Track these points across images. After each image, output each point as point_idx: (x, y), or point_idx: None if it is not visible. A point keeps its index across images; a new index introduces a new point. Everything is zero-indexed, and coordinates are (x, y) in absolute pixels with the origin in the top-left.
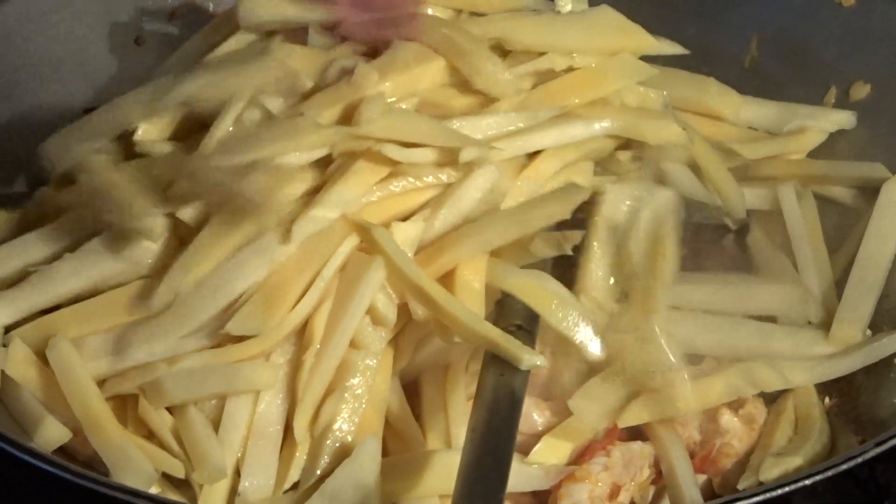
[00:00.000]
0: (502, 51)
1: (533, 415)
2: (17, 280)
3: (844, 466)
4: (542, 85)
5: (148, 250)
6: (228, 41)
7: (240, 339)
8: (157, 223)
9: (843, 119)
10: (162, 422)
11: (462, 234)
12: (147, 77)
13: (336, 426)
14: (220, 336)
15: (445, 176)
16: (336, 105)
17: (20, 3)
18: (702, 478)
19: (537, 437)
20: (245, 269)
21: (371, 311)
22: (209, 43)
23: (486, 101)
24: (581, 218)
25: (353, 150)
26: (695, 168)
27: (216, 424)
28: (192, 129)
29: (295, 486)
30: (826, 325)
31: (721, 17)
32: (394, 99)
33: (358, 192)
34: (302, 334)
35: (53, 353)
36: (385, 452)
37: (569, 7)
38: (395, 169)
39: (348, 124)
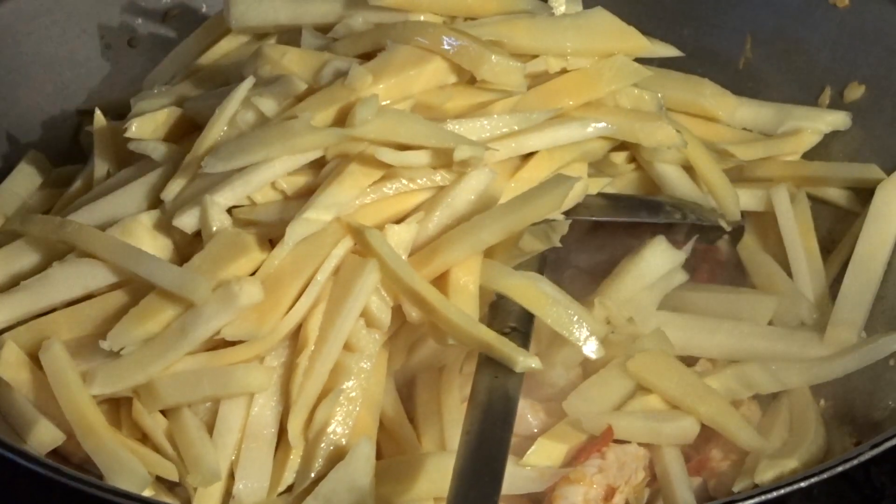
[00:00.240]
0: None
1: (528, 416)
2: (10, 285)
3: (840, 469)
4: (536, 87)
5: None
6: (221, 43)
7: (234, 342)
8: None
9: (837, 120)
10: (156, 424)
11: (455, 235)
12: (140, 78)
13: (330, 429)
14: (215, 339)
15: (439, 178)
16: (330, 107)
17: (13, 5)
18: (697, 480)
19: (532, 438)
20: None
21: (365, 314)
22: (202, 45)
23: (481, 104)
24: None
25: (347, 152)
26: (689, 169)
27: (210, 427)
28: (186, 129)
29: (289, 488)
30: (821, 326)
31: (715, 18)
32: (388, 101)
33: (352, 194)
34: (296, 337)
35: (46, 355)
36: (379, 455)
37: (563, 9)
38: (389, 171)
39: (342, 126)
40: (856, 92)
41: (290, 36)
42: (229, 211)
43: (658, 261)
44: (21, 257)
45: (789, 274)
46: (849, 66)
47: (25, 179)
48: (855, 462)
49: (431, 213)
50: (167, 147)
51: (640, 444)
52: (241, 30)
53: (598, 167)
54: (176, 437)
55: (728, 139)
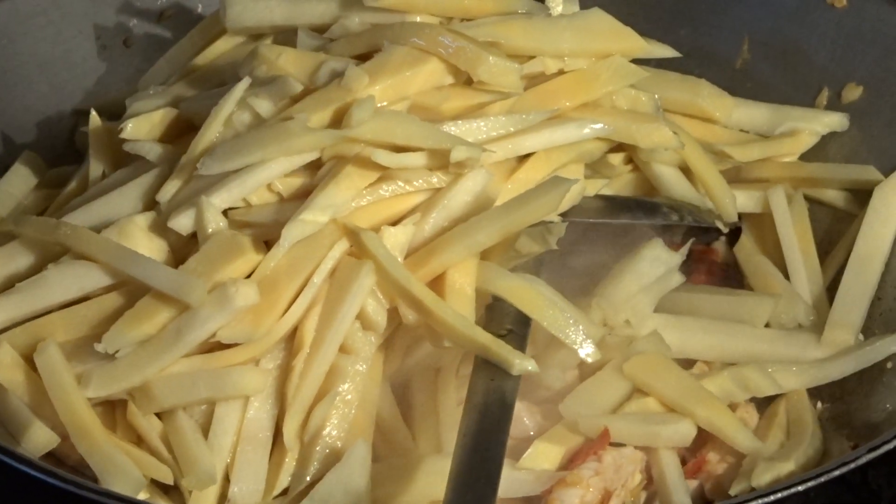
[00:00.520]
0: None
1: (524, 419)
2: (5, 287)
3: (837, 472)
4: (533, 88)
5: None
6: (216, 43)
7: (229, 344)
8: None
9: (835, 121)
10: (151, 427)
11: (451, 237)
12: (136, 78)
13: (326, 431)
14: (210, 342)
15: (436, 179)
16: (326, 108)
17: (8, 5)
18: (693, 483)
19: (528, 441)
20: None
21: (361, 316)
22: (198, 45)
23: (478, 106)
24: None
25: (344, 153)
26: (686, 171)
27: (205, 430)
28: (182, 130)
29: (285, 491)
30: (818, 329)
31: (713, 19)
32: (384, 102)
33: (348, 195)
34: (292, 339)
35: (41, 357)
36: (375, 458)
37: (560, 10)
38: (386, 173)
39: (338, 127)
40: (853, 93)
41: (286, 36)
42: (225, 213)
43: (654, 263)
44: (16, 259)
45: (786, 276)
46: (846, 67)
47: (20, 180)
48: (852, 465)
49: (428, 214)
50: (163, 148)
51: (636, 447)
52: (237, 30)
53: (595, 168)
54: (171, 440)
55: (725, 140)
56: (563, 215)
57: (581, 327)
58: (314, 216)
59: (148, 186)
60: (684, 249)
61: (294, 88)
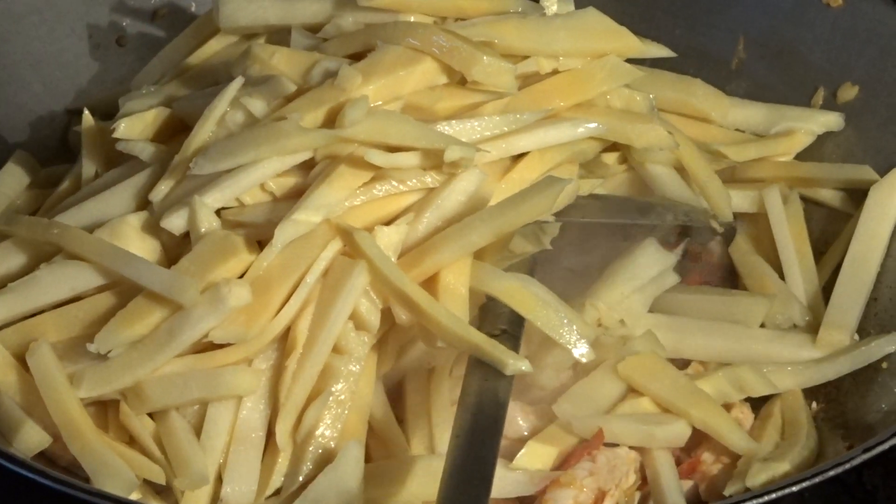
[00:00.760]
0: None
1: (518, 419)
2: None
3: (832, 472)
4: (527, 87)
5: None
6: (210, 43)
7: (222, 344)
8: None
9: (830, 121)
10: (143, 427)
11: (445, 237)
12: (129, 78)
13: (319, 432)
14: (203, 342)
15: (430, 179)
16: (319, 108)
17: (1, 4)
18: (688, 484)
19: (522, 441)
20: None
21: (354, 316)
22: (191, 44)
23: (472, 105)
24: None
25: (337, 153)
26: (681, 170)
27: (198, 430)
28: (175, 130)
29: (277, 492)
30: (813, 329)
31: (708, 18)
32: (378, 102)
33: (341, 195)
34: (285, 340)
35: (33, 357)
36: (368, 458)
37: (554, 9)
38: (379, 173)
39: (332, 127)
40: (849, 93)
41: (279, 36)
42: (218, 212)
43: (649, 263)
44: (8, 259)
45: (781, 276)
46: (842, 66)
47: (13, 179)
48: (847, 466)
49: (421, 214)
50: (155, 147)
51: (630, 448)
52: (231, 29)
53: (590, 168)
54: (163, 440)
55: (720, 140)
56: (558, 215)
57: (575, 327)
58: (307, 216)
59: (141, 186)
60: (679, 249)
61: (287, 88)
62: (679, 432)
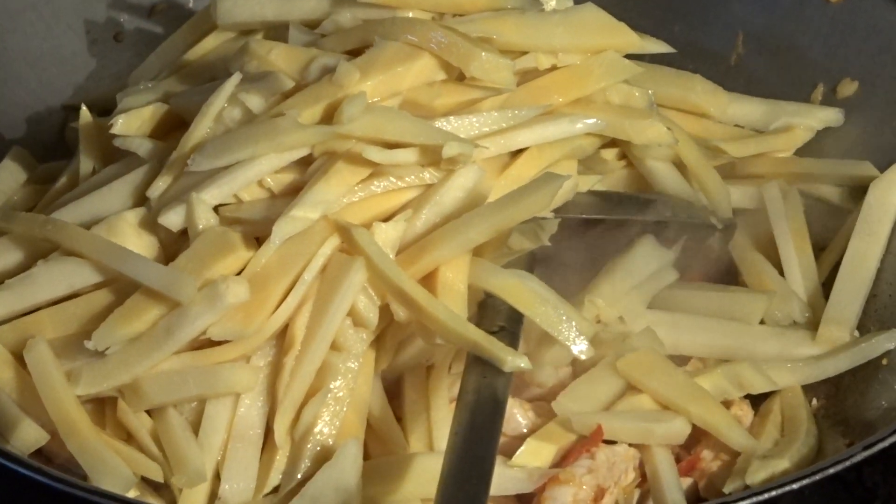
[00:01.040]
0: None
1: (517, 416)
2: None
3: (832, 470)
4: (525, 84)
5: None
6: (207, 39)
7: (220, 341)
8: None
9: (830, 117)
10: (140, 425)
11: (443, 234)
12: (126, 74)
13: (317, 429)
14: (200, 339)
15: (428, 176)
16: (317, 104)
17: None
18: (687, 481)
19: (521, 438)
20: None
21: (352, 313)
22: (189, 40)
23: (470, 101)
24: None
25: (335, 149)
26: (680, 166)
27: (196, 427)
28: (172, 126)
29: (275, 489)
30: (813, 325)
31: (707, 14)
32: (376, 98)
33: (339, 192)
34: (283, 337)
35: (31, 355)
36: (366, 455)
37: (553, 5)
38: (377, 169)
39: (329, 123)
40: (849, 88)
41: (277, 32)
42: (216, 209)
43: (648, 259)
44: (5, 255)
45: (781, 272)
46: (841, 62)
47: (10, 176)
48: (847, 463)
49: (419, 211)
50: (153, 143)
51: (630, 445)
52: (228, 25)
53: (588, 164)
54: (161, 438)
55: (719, 136)
56: (556, 211)
57: (574, 324)
58: (305, 212)
59: (138, 182)
60: (678, 246)
61: (285, 84)
62: (678, 429)
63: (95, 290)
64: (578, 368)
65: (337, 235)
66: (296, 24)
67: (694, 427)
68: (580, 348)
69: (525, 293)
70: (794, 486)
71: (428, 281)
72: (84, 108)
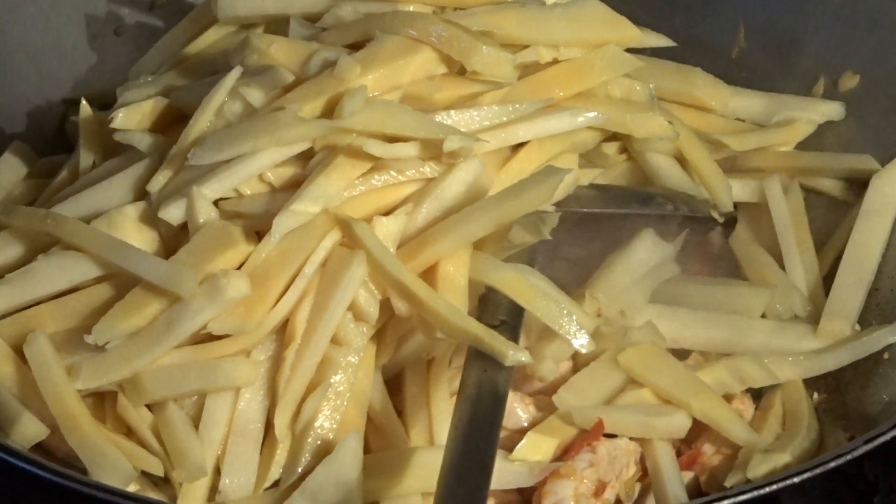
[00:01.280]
0: None
1: (518, 410)
2: None
3: (833, 463)
4: (527, 77)
5: None
6: (208, 32)
7: (220, 335)
8: None
9: (831, 110)
10: (141, 419)
11: (444, 228)
12: (127, 67)
13: (317, 423)
14: (201, 333)
15: (428, 170)
16: (318, 98)
17: None
18: (688, 475)
19: (522, 432)
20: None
21: (353, 307)
22: (189, 34)
23: (471, 95)
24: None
25: (335, 143)
26: (681, 160)
27: (196, 421)
28: (172, 120)
29: (276, 483)
30: (814, 319)
31: (708, 7)
32: (376, 92)
33: (339, 186)
34: (283, 331)
35: (31, 349)
36: (367, 449)
37: None
38: (378, 163)
39: (330, 117)
40: (850, 82)
41: (277, 25)
42: (216, 203)
43: (649, 253)
44: (5, 249)
45: (782, 266)
46: (843, 55)
47: (10, 170)
48: (848, 457)
49: (420, 205)
50: (153, 138)
51: (631, 439)
52: (229, 19)
53: (589, 158)
54: (161, 432)
55: (721, 129)
56: (557, 205)
57: (575, 318)
58: (305, 206)
59: (138, 176)
60: (679, 240)
61: (285, 78)
62: (679, 423)
63: (96, 285)
64: (579, 362)
65: (338, 229)
66: (296, 17)
67: (695, 421)
68: (581, 342)
69: (526, 287)
70: (796, 479)
71: (428, 275)
72: (84, 102)
